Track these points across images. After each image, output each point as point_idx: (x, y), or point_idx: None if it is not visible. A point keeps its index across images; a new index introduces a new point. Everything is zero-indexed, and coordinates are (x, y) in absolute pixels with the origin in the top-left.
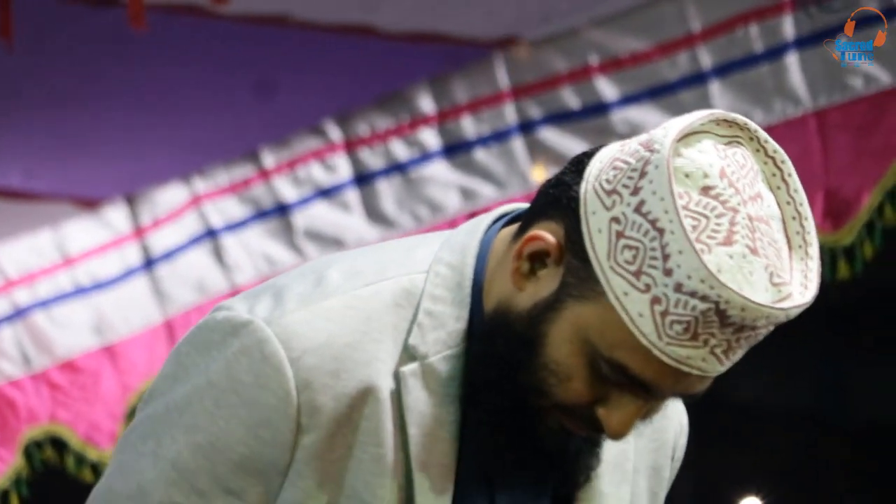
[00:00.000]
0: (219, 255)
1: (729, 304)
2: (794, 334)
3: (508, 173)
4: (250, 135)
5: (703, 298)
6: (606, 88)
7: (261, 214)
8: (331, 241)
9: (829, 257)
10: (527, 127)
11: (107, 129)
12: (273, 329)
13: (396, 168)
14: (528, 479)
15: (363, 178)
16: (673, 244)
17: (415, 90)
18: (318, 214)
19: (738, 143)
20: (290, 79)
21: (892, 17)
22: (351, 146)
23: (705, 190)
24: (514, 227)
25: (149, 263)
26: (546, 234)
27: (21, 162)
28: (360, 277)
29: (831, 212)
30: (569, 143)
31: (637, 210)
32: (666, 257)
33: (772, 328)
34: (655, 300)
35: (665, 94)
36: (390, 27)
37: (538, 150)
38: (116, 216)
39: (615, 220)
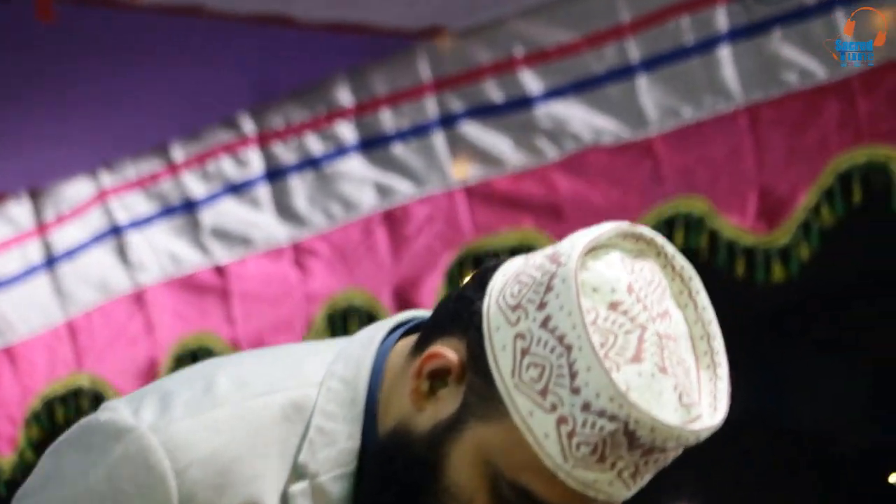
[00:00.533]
0: (123, 252)
1: (638, 425)
2: (732, 337)
3: (428, 169)
4: (160, 128)
5: (612, 418)
6: (531, 82)
7: (168, 211)
8: (238, 240)
9: (763, 258)
10: (448, 121)
11: (11, 121)
12: (158, 437)
13: (310, 163)
14: None
15: (275, 174)
16: (581, 361)
17: (332, 82)
18: (227, 211)
19: (646, 257)
20: (202, 70)
21: (828, 9)
22: (264, 140)
23: (613, 305)
24: (412, 339)
25: (51, 261)
26: (447, 352)
27: None
28: (250, 387)
29: (765, 212)
30: (491, 139)
31: (543, 325)
32: (573, 375)
33: (681, 451)
34: (562, 420)
35: (591, 88)
36: (308, 17)
37: (459, 145)
38: (19, 211)
39: (520, 336)
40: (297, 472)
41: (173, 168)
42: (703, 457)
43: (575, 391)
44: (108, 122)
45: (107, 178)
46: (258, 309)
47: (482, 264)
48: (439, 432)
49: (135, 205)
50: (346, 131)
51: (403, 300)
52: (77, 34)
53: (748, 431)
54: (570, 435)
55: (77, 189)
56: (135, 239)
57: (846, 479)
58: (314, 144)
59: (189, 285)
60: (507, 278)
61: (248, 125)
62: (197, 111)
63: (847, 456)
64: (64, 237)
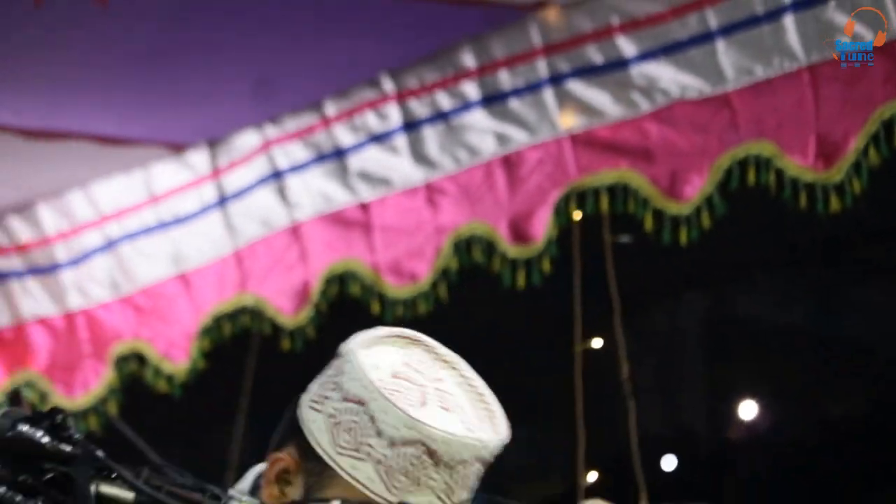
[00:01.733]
0: (283, 193)
1: (434, 441)
2: (791, 260)
3: (539, 120)
4: (315, 87)
5: (413, 443)
6: (626, 46)
7: (321, 157)
8: (380, 181)
9: (821, 193)
10: (556, 80)
11: (192, 82)
12: None
13: (440, 116)
14: None
15: (411, 125)
16: (377, 408)
17: (458, 48)
18: (370, 157)
19: (414, 347)
20: (350, 38)
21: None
22: (401, 97)
23: (395, 374)
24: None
25: (222, 201)
26: (283, 455)
27: (115, 110)
28: None
29: (823, 153)
30: (593, 94)
31: (344, 399)
32: (374, 421)
33: (479, 468)
34: (377, 462)
35: (677, 51)
36: None
37: (566, 100)
38: (197, 159)
39: (330, 416)
40: None
41: (326, 121)
42: (766, 362)
43: (379, 434)
44: (272, 82)
45: (270, 130)
46: (395, 239)
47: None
48: None
49: (293, 153)
50: (470, 89)
51: (518, 231)
52: (249, 9)
53: (803, 342)
54: (388, 471)
55: (246, 139)
56: (293, 182)
57: (884, 383)
58: (443, 100)
59: (337, 220)
60: (311, 388)
61: (388, 84)
62: (346, 73)
63: (886, 364)
64: (234, 180)
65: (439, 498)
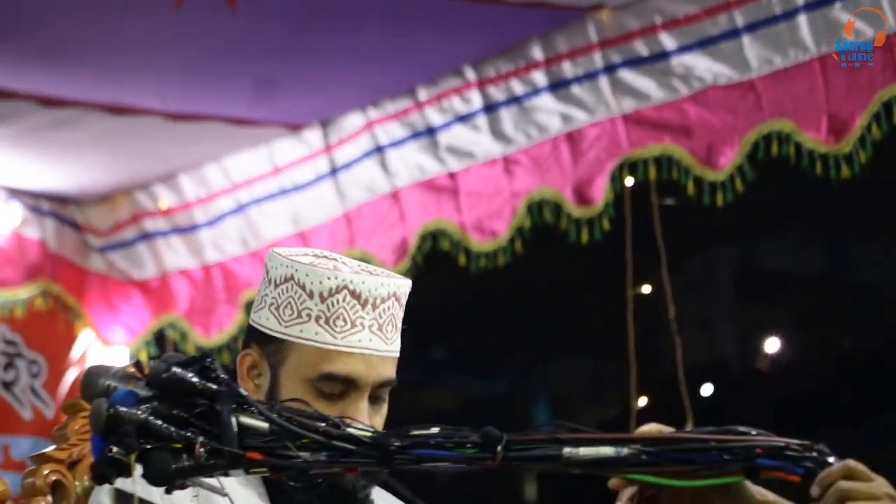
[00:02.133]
0: (384, 164)
1: (354, 283)
2: (808, 218)
3: (596, 103)
4: (410, 76)
5: (339, 290)
6: (667, 41)
7: (415, 135)
8: (465, 154)
9: (833, 162)
10: (610, 69)
11: (309, 71)
12: None
13: (514, 100)
14: None
15: (490, 108)
16: (302, 275)
17: (528, 42)
18: (457, 134)
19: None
20: (439, 35)
21: None
22: (482, 84)
23: (306, 254)
24: None
25: (333, 171)
26: (246, 352)
27: (243, 97)
28: None
29: (833, 129)
30: (640, 81)
31: (276, 285)
32: (303, 286)
33: (398, 307)
34: (318, 318)
35: (710, 45)
36: None
37: (618, 86)
38: (312, 136)
39: (271, 304)
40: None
41: (419, 105)
42: (788, 305)
43: (311, 295)
44: (375, 72)
45: (373, 112)
46: (478, 202)
47: None
48: (272, 395)
49: (392, 131)
50: (539, 77)
51: (580, 195)
52: (356, 12)
53: (820, 287)
54: (328, 321)
55: (352, 120)
56: (392, 155)
57: (889, 322)
58: (517, 87)
59: (430, 186)
60: (253, 303)
61: (471, 74)
62: (435, 64)
63: (892, 306)
64: (343, 154)
65: (373, 332)
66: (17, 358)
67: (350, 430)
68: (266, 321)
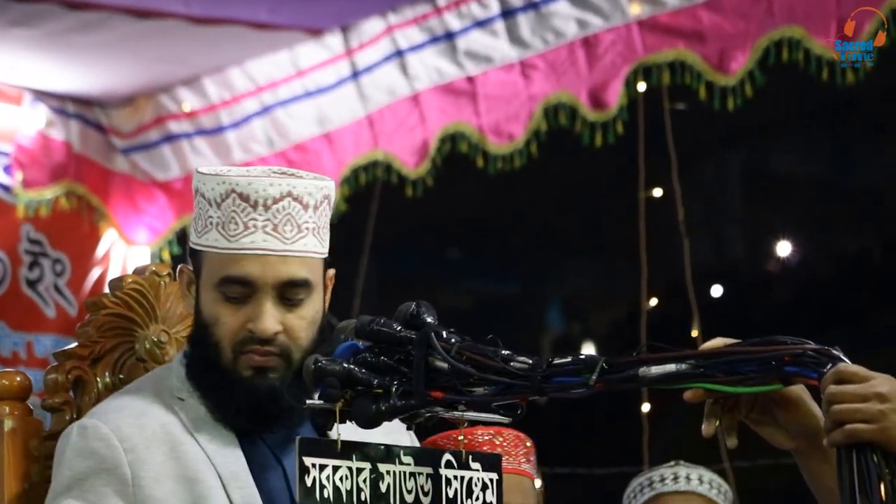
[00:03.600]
0: (404, 68)
1: (240, 185)
2: (813, 120)
3: (612, 9)
4: None
5: (227, 195)
6: None
7: (434, 39)
8: (483, 59)
9: (839, 68)
10: None
11: None
12: (91, 419)
13: (532, 6)
14: (278, 422)
15: (508, 13)
16: (200, 184)
17: None
18: (475, 39)
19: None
20: None
21: None
22: None
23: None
24: None
25: (355, 75)
26: (181, 267)
27: (266, 2)
28: (130, 385)
29: (841, 36)
30: None
31: (195, 202)
32: (203, 195)
33: (298, 206)
34: (216, 224)
35: None
36: None
37: None
38: (333, 41)
39: (195, 218)
40: (175, 398)
41: (438, 10)
42: (794, 207)
43: (209, 203)
44: None
45: (392, 18)
46: (496, 105)
47: None
48: (196, 305)
49: (412, 36)
50: None
51: (596, 99)
52: None
53: (824, 190)
54: (223, 226)
55: (372, 25)
56: (412, 59)
57: (891, 225)
58: None
59: (449, 90)
60: None
61: None
62: None
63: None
64: (364, 58)
65: (267, 233)
66: (42, 257)
67: (513, 363)
68: (191, 236)
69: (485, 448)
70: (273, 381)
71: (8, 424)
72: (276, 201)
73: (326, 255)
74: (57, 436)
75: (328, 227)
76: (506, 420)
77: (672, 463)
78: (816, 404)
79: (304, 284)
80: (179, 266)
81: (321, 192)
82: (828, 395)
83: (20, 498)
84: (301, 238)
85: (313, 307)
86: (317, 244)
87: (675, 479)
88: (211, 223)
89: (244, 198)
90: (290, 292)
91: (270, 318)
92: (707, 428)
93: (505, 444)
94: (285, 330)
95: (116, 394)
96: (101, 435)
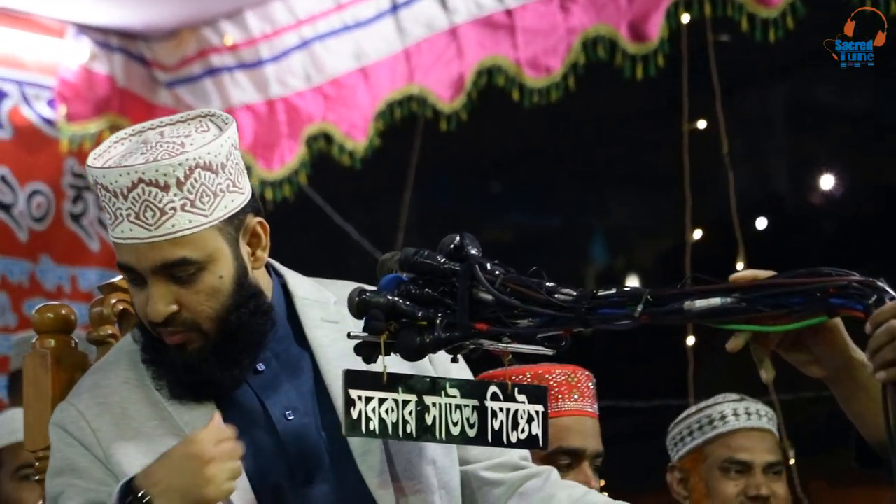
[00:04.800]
0: (443, 2)
1: (96, 176)
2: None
3: None
4: None
5: (94, 185)
6: None
7: None
8: None
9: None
10: None
11: None
12: (67, 402)
13: None
14: (220, 389)
15: None
16: (88, 175)
17: None
18: None
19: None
20: None
21: None
22: None
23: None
24: None
25: (394, 8)
26: None
27: None
28: (102, 360)
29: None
30: None
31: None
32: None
33: (156, 191)
34: (105, 213)
35: None
36: None
37: None
38: None
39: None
40: (142, 370)
41: None
42: (837, 140)
43: (93, 191)
44: None
45: None
46: (534, 39)
47: None
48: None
49: None
50: None
51: (636, 31)
52: None
53: (867, 123)
54: (104, 214)
55: None
56: None
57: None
58: None
59: (487, 23)
60: None
61: None
62: None
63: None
64: None
65: (132, 222)
66: (86, 191)
67: (557, 295)
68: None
69: (562, 389)
70: (193, 352)
71: (53, 357)
72: (129, 189)
73: (216, 222)
74: None
75: (222, 188)
76: (550, 352)
77: (736, 396)
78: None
79: (183, 263)
80: None
81: (182, 167)
82: (891, 330)
83: None
84: (166, 220)
85: (210, 277)
86: (190, 219)
87: (748, 414)
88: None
89: (107, 189)
90: (174, 271)
91: (158, 303)
92: (766, 374)
93: (580, 384)
94: (183, 306)
95: (91, 370)
96: (73, 419)
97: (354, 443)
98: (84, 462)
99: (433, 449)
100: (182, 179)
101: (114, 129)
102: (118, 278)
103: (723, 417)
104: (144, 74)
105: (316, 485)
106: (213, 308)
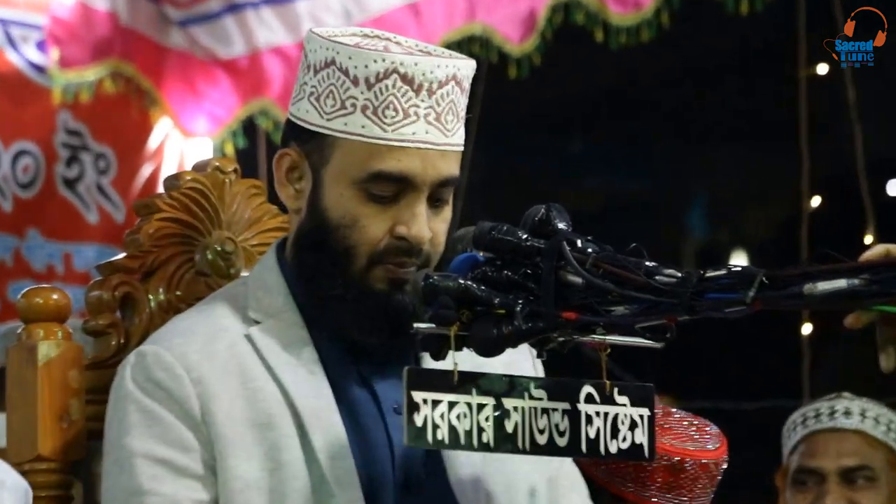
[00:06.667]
0: None
1: (405, 65)
2: None
3: None
4: None
5: (387, 75)
6: None
7: None
8: None
9: None
10: None
11: None
12: (151, 346)
13: None
14: (387, 347)
15: None
16: (345, 59)
17: None
18: None
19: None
20: None
21: None
22: None
23: (353, 34)
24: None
25: None
26: (283, 151)
27: None
28: (196, 306)
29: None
30: None
31: (315, 72)
32: (346, 72)
33: (459, 92)
34: (364, 108)
35: None
36: None
37: None
38: None
39: (311, 94)
40: (250, 321)
41: None
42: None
43: (355, 81)
44: None
45: None
46: None
47: None
48: (313, 201)
49: None
50: None
51: None
52: None
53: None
54: (376, 112)
55: None
56: None
57: None
58: None
59: None
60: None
61: None
62: None
63: None
64: None
65: (429, 123)
66: (82, 151)
67: (658, 277)
68: (306, 114)
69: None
70: (407, 296)
71: (42, 351)
72: (441, 85)
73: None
74: (101, 365)
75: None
76: (655, 345)
77: (833, 395)
78: None
79: (454, 183)
80: (281, 150)
81: (472, 74)
82: None
83: (57, 439)
84: (459, 129)
85: (449, 210)
86: (462, 136)
87: (832, 414)
88: (355, 105)
89: (407, 80)
90: (441, 192)
91: (426, 224)
92: (886, 362)
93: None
94: (430, 237)
95: (181, 315)
96: (164, 364)
97: (449, 452)
98: (170, 416)
99: (532, 469)
100: (467, 90)
101: (116, 77)
102: (120, 256)
103: (804, 421)
104: (153, 11)
105: (411, 493)
106: (441, 249)
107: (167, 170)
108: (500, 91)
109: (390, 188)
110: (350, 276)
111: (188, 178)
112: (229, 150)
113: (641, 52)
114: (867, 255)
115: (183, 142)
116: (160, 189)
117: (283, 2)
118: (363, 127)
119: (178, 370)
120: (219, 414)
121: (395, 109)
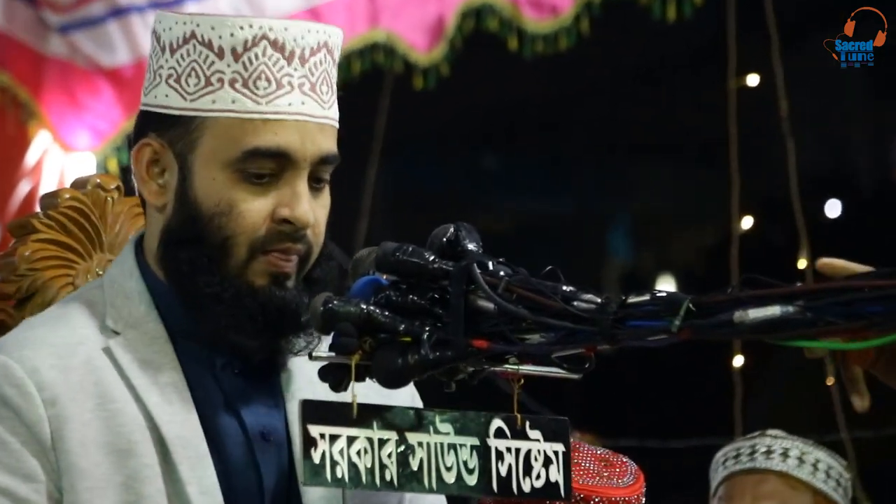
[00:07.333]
0: None
1: (274, 30)
2: None
3: None
4: None
5: (255, 41)
6: None
7: None
8: None
9: None
10: None
11: None
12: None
13: None
14: (253, 363)
15: None
16: (206, 30)
17: None
18: None
19: None
20: None
21: None
22: None
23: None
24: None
25: None
26: (141, 142)
27: None
28: (48, 311)
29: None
30: None
31: (172, 52)
32: (209, 45)
33: (331, 60)
34: (233, 81)
35: None
36: None
37: None
38: None
39: (168, 76)
40: (109, 331)
41: None
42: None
43: (220, 54)
44: None
45: None
46: None
47: None
48: (182, 192)
49: None
50: None
51: None
52: None
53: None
54: (246, 84)
55: None
56: None
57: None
58: None
59: None
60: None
61: None
62: None
63: None
64: None
65: (304, 93)
66: None
67: (576, 303)
68: (165, 99)
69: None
70: (290, 291)
71: None
72: (313, 52)
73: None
74: None
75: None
76: (572, 376)
77: (756, 433)
78: None
79: (334, 161)
80: (141, 141)
81: (341, 43)
82: None
83: None
84: (334, 102)
85: (328, 195)
86: (336, 112)
87: (752, 454)
88: (222, 79)
89: (278, 47)
90: (321, 170)
91: (308, 204)
92: (861, 402)
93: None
94: (313, 223)
95: (32, 320)
96: (13, 379)
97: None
98: (16, 441)
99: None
100: (337, 59)
101: None
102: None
103: (724, 462)
104: (30, 15)
105: None
106: (322, 240)
107: (45, 187)
108: (405, 103)
109: (268, 165)
110: (227, 272)
111: (67, 196)
112: (112, 166)
113: (559, 61)
114: (824, 263)
115: (63, 157)
116: (37, 208)
117: (169, 5)
118: (233, 102)
119: (29, 387)
120: (72, 440)
121: (268, 80)
